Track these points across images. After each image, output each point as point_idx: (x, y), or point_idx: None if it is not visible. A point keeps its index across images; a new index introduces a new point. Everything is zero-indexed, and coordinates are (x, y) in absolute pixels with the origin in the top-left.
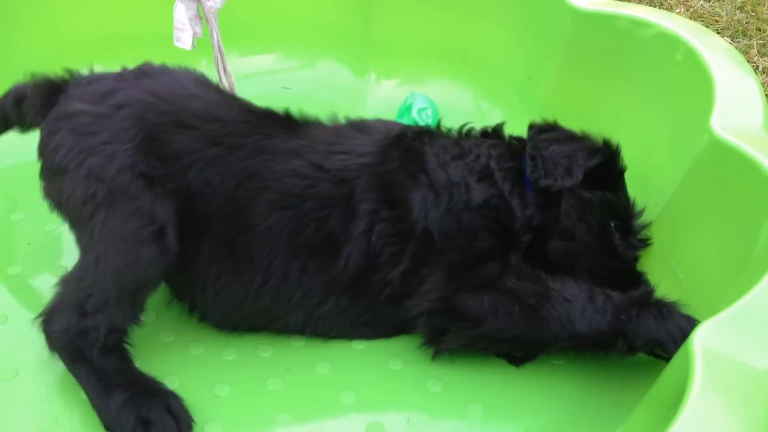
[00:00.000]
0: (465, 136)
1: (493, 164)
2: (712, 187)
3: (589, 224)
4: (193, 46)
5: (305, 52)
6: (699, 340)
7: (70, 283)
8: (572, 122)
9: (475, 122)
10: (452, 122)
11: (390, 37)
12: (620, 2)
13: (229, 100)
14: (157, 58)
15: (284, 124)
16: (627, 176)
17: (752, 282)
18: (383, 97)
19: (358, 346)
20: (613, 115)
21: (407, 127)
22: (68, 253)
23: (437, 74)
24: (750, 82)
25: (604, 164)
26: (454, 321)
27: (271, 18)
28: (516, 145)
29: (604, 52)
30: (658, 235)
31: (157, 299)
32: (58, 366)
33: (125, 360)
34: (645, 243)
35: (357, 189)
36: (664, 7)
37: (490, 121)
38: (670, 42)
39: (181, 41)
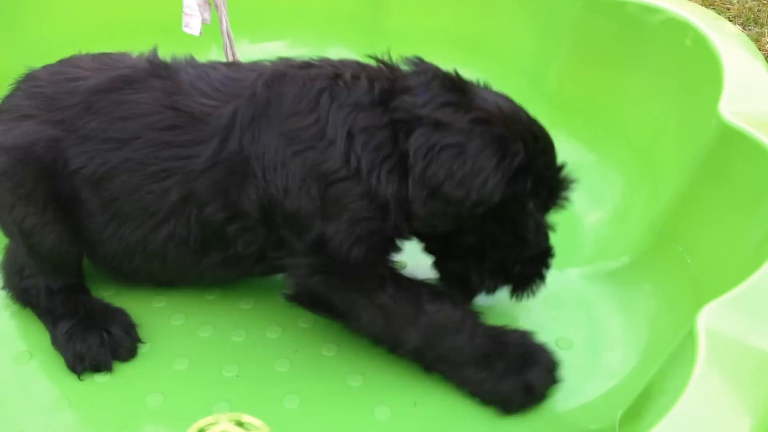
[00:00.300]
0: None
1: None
2: (720, 173)
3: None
4: (202, 32)
5: (315, 38)
6: (703, 321)
7: (10, 250)
8: (581, 108)
9: None
10: None
11: (400, 24)
12: None
13: (75, 81)
14: (166, 45)
15: (114, 97)
16: (635, 160)
17: (758, 264)
18: None
19: None
20: (621, 101)
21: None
22: None
23: (447, 61)
24: (760, 68)
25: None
26: (324, 308)
27: (280, 4)
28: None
29: (614, 38)
30: (665, 220)
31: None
32: None
33: (71, 297)
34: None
35: (184, 203)
36: None
37: None
38: (679, 28)
39: (190, 27)
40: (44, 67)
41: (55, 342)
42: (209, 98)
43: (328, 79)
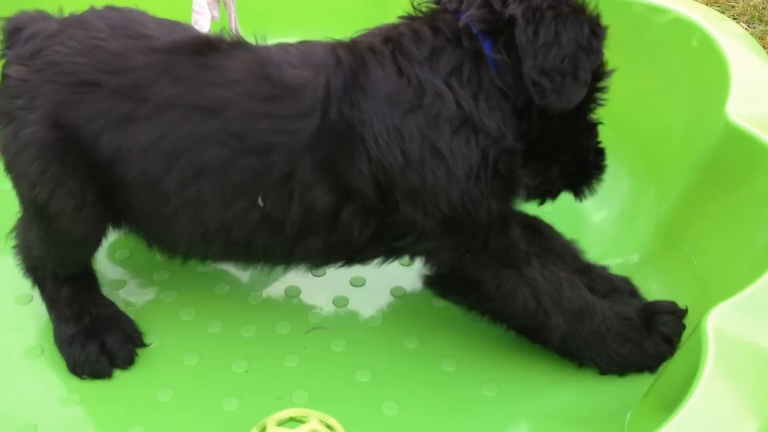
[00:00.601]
0: None
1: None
2: (727, 174)
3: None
4: (211, 30)
5: (323, 37)
6: (712, 322)
7: (20, 228)
8: None
9: None
10: None
11: None
12: None
13: (143, 39)
14: None
15: (198, 61)
16: (642, 161)
17: (765, 266)
18: None
19: (374, 323)
20: (628, 101)
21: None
22: None
23: None
24: (766, 70)
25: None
26: (468, 292)
27: (288, 2)
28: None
29: (620, 38)
30: (672, 220)
31: (178, 280)
32: None
33: (81, 291)
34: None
35: (291, 175)
36: None
37: None
38: (685, 28)
39: (199, 24)
40: (95, 12)
41: (57, 341)
42: (299, 69)
43: (392, 41)
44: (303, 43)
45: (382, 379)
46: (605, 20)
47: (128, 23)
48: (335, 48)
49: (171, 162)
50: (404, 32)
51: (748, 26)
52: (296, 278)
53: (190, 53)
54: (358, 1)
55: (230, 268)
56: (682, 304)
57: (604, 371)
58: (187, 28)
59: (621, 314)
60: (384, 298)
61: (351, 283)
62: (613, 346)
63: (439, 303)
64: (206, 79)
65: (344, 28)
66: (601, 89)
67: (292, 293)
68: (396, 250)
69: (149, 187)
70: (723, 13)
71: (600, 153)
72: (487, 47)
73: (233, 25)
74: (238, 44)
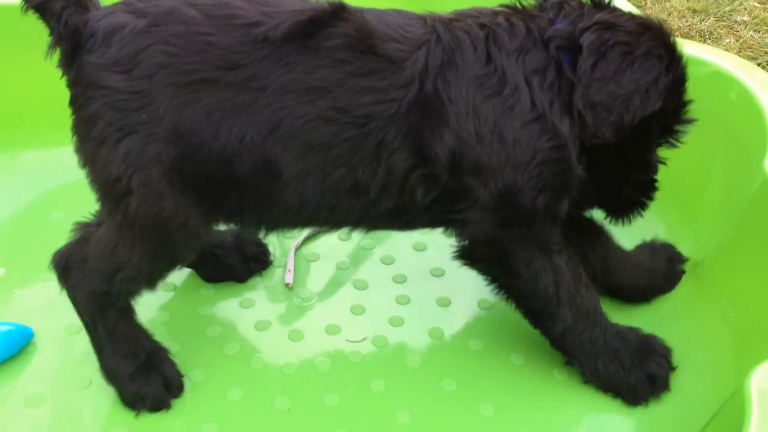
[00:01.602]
0: None
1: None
2: (766, 228)
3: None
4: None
5: None
6: (755, 382)
7: (97, 247)
8: None
9: None
10: None
11: None
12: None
13: (248, 28)
14: None
15: (304, 45)
16: (678, 209)
17: None
18: None
19: (413, 364)
20: (667, 151)
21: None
22: None
23: None
24: None
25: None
26: (498, 263)
27: None
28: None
29: None
30: (709, 272)
31: (222, 314)
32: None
33: (132, 324)
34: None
35: (383, 143)
36: (714, 37)
37: None
38: (725, 81)
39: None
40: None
41: (112, 375)
42: (401, 43)
43: (488, 27)
44: (399, 13)
45: (421, 421)
46: None
47: (223, 10)
48: (434, 24)
49: (286, 144)
50: (501, 23)
51: None
52: (336, 317)
53: (299, 38)
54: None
55: (272, 305)
56: (714, 356)
57: (585, 379)
58: (277, 4)
59: (621, 334)
60: (422, 339)
61: (390, 323)
62: (603, 359)
63: (477, 345)
64: (317, 62)
65: None
66: (672, 132)
67: (333, 331)
68: (446, 218)
69: (265, 171)
70: (756, 59)
71: (648, 190)
72: (567, 61)
73: None
74: (341, 15)
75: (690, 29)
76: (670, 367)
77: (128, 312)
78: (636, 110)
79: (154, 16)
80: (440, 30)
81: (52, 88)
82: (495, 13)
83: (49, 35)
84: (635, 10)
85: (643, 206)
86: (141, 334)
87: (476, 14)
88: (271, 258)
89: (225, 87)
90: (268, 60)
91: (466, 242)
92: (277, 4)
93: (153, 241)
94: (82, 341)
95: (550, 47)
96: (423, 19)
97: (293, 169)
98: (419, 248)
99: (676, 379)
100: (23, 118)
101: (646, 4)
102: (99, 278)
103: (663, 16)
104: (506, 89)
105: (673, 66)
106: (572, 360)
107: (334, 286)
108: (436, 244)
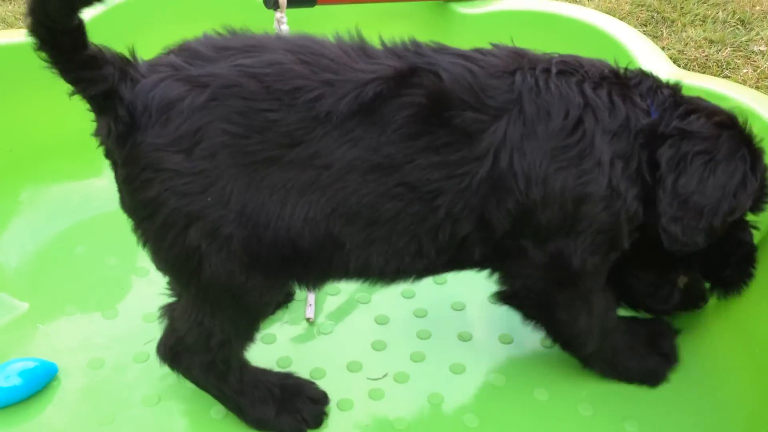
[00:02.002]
0: None
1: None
2: None
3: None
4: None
5: None
6: None
7: (185, 322)
8: None
9: None
10: None
11: None
12: (694, 74)
13: (310, 103)
14: None
15: (369, 120)
16: None
17: None
18: None
19: (435, 400)
20: None
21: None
22: None
23: None
24: None
25: None
26: (540, 309)
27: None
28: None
29: None
30: (732, 307)
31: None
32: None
33: (252, 372)
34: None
35: (451, 216)
36: (731, 67)
37: None
38: (745, 116)
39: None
40: (240, 69)
41: (260, 424)
42: (479, 112)
43: (589, 100)
44: (487, 63)
45: None
46: None
47: (285, 82)
48: (521, 89)
49: (349, 220)
50: (603, 98)
51: None
52: (357, 353)
53: (364, 112)
54: None
55: (293, 341)
56: (737, 391)
57: (607, 377)
58: (339, 69)
59: (632, 330)
60: (444, 374)
61: (411, 359)
62: (623, 357)
63: (499, 380)
64: (384, 138)
65: None
66: (759, 207)
67: (354, 368)
68: (495, 268)
69: (328, 243)
70: None
71: (748, 262)
72: (646, 158)
73: None
74: (411, 81)
75: (707, 59)
76: (675, 342)
77: (244, 366)
78: (726, 215)
79: (212, 90)
80: (526, 98)
81: (76, 123)
82: (599, 82)
83: (89, 108)
84: (674, 70)
85: (749, 277)
86: (263, 374)
87: (581, 76)
88: (294, 293)
89: (288, 165)
90: (331, 136)
91: (511, 288)
92: (340, 68)
93: (229, 306)
94: (106, 376)
95: (638, 138)
96: (512, 75)
97: (356, 241)
98: (440, 281)
99: (700, 415)
100: (47, 154)
101: (662, 34)
102: (200, 351)
103: (680, 46)
104: (586, 163)
105: (759, 163)
106: (593, 365)
107: (355, 320)
108: (457, 278)
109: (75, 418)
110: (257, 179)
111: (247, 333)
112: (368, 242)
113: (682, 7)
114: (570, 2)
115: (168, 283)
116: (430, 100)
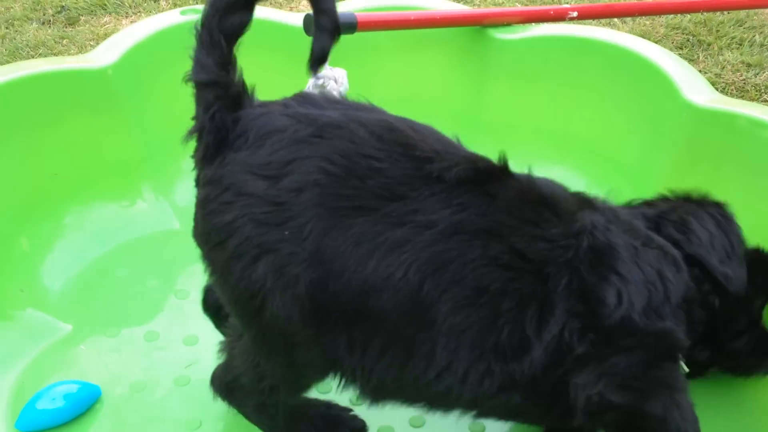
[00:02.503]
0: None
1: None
2: None
3: None
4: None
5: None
6: None
7: (243, 362)
8: None
9: None
10: None
11: (502, 120)
12: (736, 100)
13: (419, 162)
14: None
15: (479, 190)
16: None
17: None
18: None
19: None
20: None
21: (591, 206)
22: None
23: (549, 158)
24: None
25: None
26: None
27: (392, 98)
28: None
29: (722, 150)
30: None
31: None
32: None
33: (301, 410)
34: None
35: (559, 287)
36: None
37: None
38: None
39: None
40: (349, 115)
41: None
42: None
43: (662, 274)
44: (548, 219)
45: None
46: (706, 131)
47: (396, 137)
48: (583, 247)
49: (448, 287)
50: (666, 250)
51: None
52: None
53: (473, 183)
54: (456, 101)
55: None
56: None
57: None
58: (447, 147)
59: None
60: None
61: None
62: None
63: None
64: (492, 207)
65: (442, 124)
66: None
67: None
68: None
69: (414, 314)
70: None
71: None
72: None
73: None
74: (509, 172)
75: (745, 83)
76: None
77: (294, 409)
78: (736, 248)
79: (320, 126)
80: (585, 267)
81: (120, 148)
82: (664, 227)
83: (192, 119)
84: (714, 95)
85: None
86: (307, 406)
87: (639, 217)
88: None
89: (382, 218)
90: (437, 198)
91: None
92: (448, 146)
93: (281, 353)
94: (148, 400)
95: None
96: (574, 234)
97: (452, 320)
98: None
99: None
100: (90, 178)
101: (698, 58)
102: (253, 391)
103: (717, 70)
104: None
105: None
106: None
107: None
108: None
109: None
110: (344, 225)
111: (293, 385)
112: (464, 325)
113: (718, 30)
114: (603, 26)
115: (227, 322)
116: (529, 186)
